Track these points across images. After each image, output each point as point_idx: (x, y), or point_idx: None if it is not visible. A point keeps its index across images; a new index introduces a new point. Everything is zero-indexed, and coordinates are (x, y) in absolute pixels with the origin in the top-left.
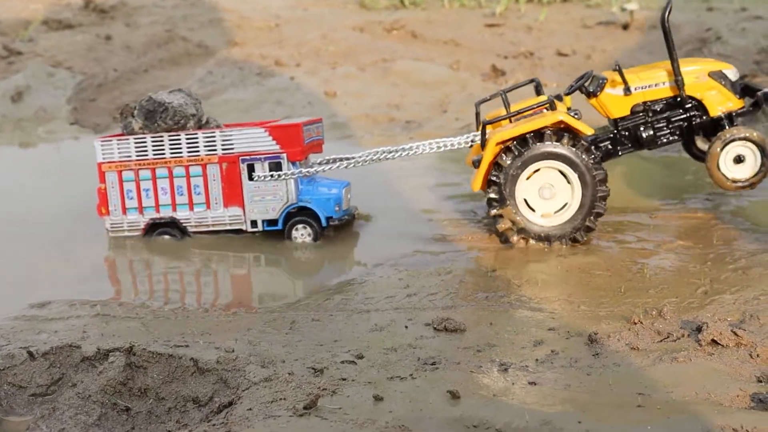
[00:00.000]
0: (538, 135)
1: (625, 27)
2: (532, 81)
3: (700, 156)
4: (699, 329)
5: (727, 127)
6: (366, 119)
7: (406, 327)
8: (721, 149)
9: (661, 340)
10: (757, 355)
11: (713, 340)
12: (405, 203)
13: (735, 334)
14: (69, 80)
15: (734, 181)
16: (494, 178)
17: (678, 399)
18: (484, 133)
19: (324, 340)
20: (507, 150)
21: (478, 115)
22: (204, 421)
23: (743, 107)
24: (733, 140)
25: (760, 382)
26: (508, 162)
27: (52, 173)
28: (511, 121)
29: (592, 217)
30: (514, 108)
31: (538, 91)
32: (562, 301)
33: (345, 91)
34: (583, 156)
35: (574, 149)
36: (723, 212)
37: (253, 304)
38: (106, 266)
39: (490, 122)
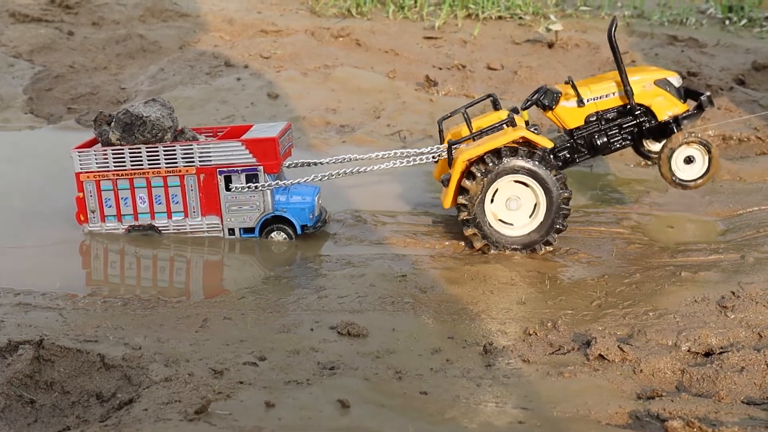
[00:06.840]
0: (512, 150)
1: (550, 45)
2: (489, 96)
3: (646, 155)
4: (588, 343)
5: (675, 130)
6: (303, 121)
7: (312, 330)
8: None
9: (552, 353)
10: (641, 371)
11: (600, 355)
12: (362, 207)
13: (621, 349)
14: (28, 71)
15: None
16: (465, 186)
17: (559, 416)
18: (450, 153)
19: (231, 340)
20: (481, 161)
21: (441, 132)
22: (100, 421)
23: (687, 110)
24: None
25: (639, 399)
26: (483, 170)
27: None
28: (474, 140)
29: (553, 233)
30: (475, 124)
31: (496, 106)
32: (463, 310)
33: (286, 94)
34: (552, 174)
35: (544, 167)
36: (625, 227)
37: (170, 300)
38: (47, 256)
39: (456, 142)
